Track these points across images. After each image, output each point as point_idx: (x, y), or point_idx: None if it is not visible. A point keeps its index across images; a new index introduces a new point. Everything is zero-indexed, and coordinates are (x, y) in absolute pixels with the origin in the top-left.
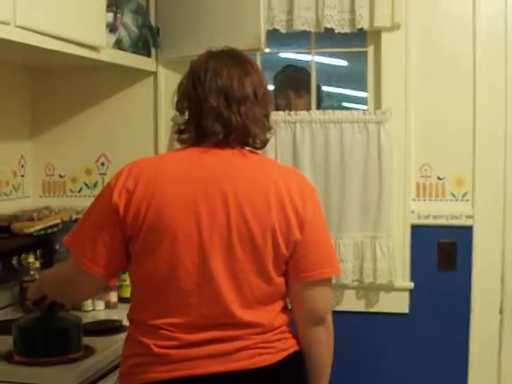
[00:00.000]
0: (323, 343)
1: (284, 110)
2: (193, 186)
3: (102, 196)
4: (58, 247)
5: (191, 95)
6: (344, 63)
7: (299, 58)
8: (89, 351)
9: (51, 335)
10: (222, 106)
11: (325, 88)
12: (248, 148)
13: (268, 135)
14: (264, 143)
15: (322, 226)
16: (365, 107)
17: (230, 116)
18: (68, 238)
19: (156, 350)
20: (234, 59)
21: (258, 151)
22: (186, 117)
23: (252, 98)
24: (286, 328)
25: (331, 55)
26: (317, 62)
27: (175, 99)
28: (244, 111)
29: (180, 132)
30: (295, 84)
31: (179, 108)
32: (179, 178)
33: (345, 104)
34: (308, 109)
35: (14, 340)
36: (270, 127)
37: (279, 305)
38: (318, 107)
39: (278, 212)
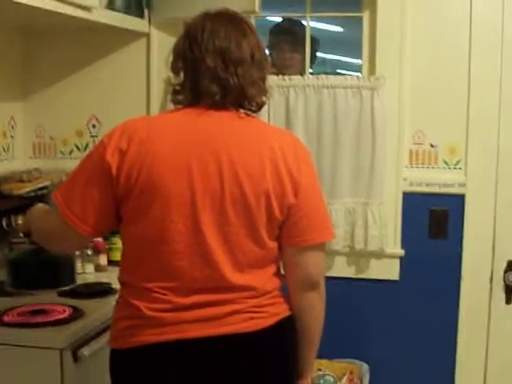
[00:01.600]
0: (315, 307)
1: (279, 66)
2: (186, 147)
3: (95, 154)
4: None
5: (187, 55)
6: (339, 29)
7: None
8: (78, 313)
9: (43, 267)
10: (219, 66)
11: (319, 54)
12: (243, 111)
13: (264, 98)
14: (260, 106)
15: (317, 190)
16: (359, 74)
17: (227, 77)
18: (57, 193)
19: (147, 312)
20: (232, 20)
21: (254, 114)
22: (181, 78)
23: (249, 60)
24: (278, 292)
25: (326, 21)
26: (312, 28)
27: (170, 59)
28: (241, 73)
29: (175, 93)
30: (290, 37)
31: (174, 68)
32: (173, 139)
33: (339, 71)
34: (302, 66)
35: (6, 274)
36: (266, 90)
37: (272, 269)
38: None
39: (272, 176)
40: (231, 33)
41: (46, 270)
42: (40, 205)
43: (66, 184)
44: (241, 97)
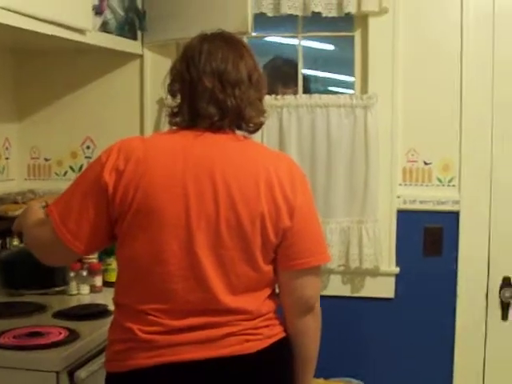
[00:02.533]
0: (311, 331)
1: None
2: (183, 170)
3: (92, 171)
4: None
5: (185, 77)
6: (331, 47)
7: (286, 42)
8: (74, 335)
9: (35, 267)
10: (217, 88)
11: (311, 72)
12: (241, 132)
13: (262, 118)
14: (258, 127)
15: (312, 213)
16: (352, 92)
17: (225, 99)
18: (52, 208)
19: (141, 335)
20: (228, 42)
21: (251, 135)
22: (178, 100)
23: (247, 81)
24: (273, 314)
25: (318, 40)
26: (304, 47)
27: (167, 82)
28: (239, 94)
29: (172, 115)
30: (283, 76)
31: (171, 91)
32: (169, 161)
33: (331, 88)
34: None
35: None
36: (264, 110)
37: (266, 292)
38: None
39: (267, 199)
40: (228, 54)
41: (38, 270)
42: (35, 207)
43: (61, 199)
44: (239, 118)
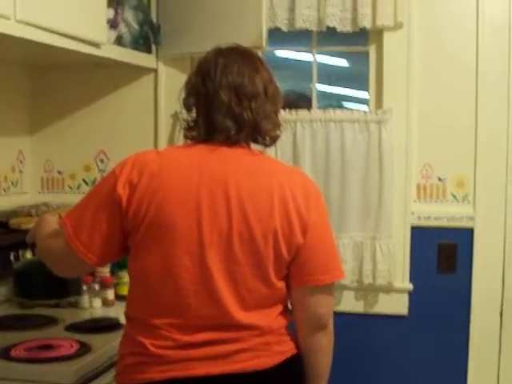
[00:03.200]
0: (324, 348)
1: None
2: (197, 184)
3: (105, 184)
4: None
5: (201, 91)
6: (345, 63)
7: (300, 58)
8: (85, 348)
9: (49, 277)
10: (233, 101)
11: (326, 88)
12: (256, 146)
13: (278, 132)
14: (274, 140)
15: (326, 229)
16: (366, 108)
17: (242, 112)
18: (66, 220)
19: (153, 349)
20: (244, 56)
21: (267, 148)
22: (193, 114)
23: (263, 95)
24: (284, 330)
25: (333, 55)
26: (318, 62)
27: (182, 96)
28: (255, 107)
29: (188, 128)
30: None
31: (186, 105)
32: (183, 175)
33: (346, 104)
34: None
35: (13, 283)
36: (279, 123)
37: (279, 308)
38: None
39: (280, 214)
40: (244, 68)
41: (51, 280)
42: (48, 218)
43: (74, 211)
44: (255, 131)
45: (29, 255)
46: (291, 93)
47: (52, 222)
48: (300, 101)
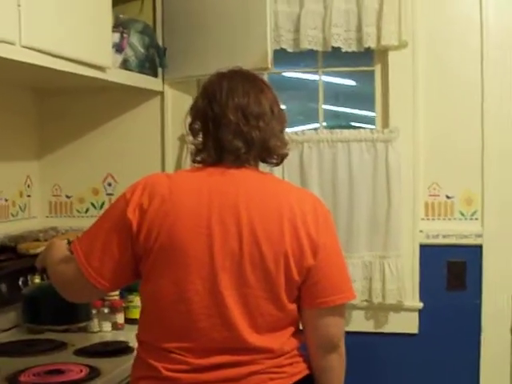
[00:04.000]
0: (335, 369)
1: None
2: (208, 209)
3: (116, 208)
4: None
5: (208, 113)
6: (352, 83)
7: (306, 77)
8: (95, 373)
9: (59, 303)
10: (241, 121)
11: (332, 108)
12: (264, 165)
13: (286, 150)
14: (282, 158)
15: (336, 251)
16: (373, 127)
17: (250, 131)
18: (77, 246)
19: (165, 373)
20: (247, 78)
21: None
22: (200, 138)
23: (269, 113)
24: (297, 352)
25: (338, 75)
26: (324, 82)
27: (188, 121)
28: (263, 126)
29: (197, 152)
30: None
31: (193, 129)
32: (194, 199)
33: (353, 124)
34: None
35: (22, 309)
36: (287, 142)
37: (290, 330)
38: None
39: (291, 237)
40: (249, 89)
41: (62, 305)
42: (58, 243)
43: (85, 236)
44: (264, 150)
45: (37, 280)
46: None
47: (62, 247)
48: None
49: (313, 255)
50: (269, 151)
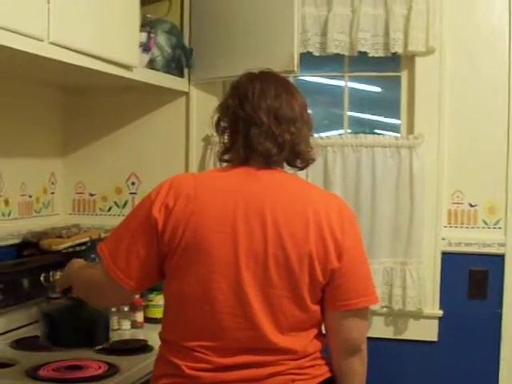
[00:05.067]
0: (357, 372)
1: None
2: (233, 210)
3: (142, 208)
4: None
5: (239, 114)
6: (377, 89)
7: (332, 83)
8: (113, 370)
9: (78, 325)
10: (273, 123)
11: (357, 114)
12: (290, 168)
13: (313, 155)
14: (308, 163)
15: (361, 254)
16: (397, 135)
17: (282, 133)
18: (103, 247)
19: (188, 371)
20: (279, 80)
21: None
22: (225, 137)
23: (300, 119)
24: (319, 354)
25: (364, 81)
26: (350, 88)
27: (215, 119)
28: (294, 130)
29: (225, 151)
30: None
31: (220, 128)
32: (220, 199)
33: (377, 131)
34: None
35: (42, 328)
36: (313, 147)
37: (313, 332)
38: None
39: (316, 239)
40: (281, 92)
41: (81, 327)
42: (77, 260)
43: (111, 238)
44: (292, 153)
45: (59, 276)
46: None
47: (82, 261)
48: None
49: (337, 258)
50: (297, 155)
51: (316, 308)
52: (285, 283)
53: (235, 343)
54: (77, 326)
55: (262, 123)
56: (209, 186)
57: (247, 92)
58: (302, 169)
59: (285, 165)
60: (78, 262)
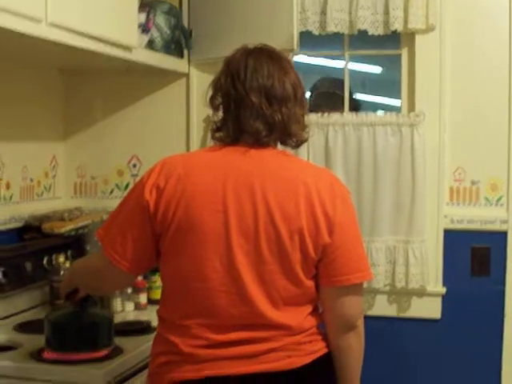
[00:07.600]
0: (353, 348)
1: None
2: (223, 186)
3: (134, 191)
4: (88, 248)
5: (230, 92)
6: (378, 70)
7: (332, 65)
8: (117, 351)
9: (82, 330)
10: (264, 104)
11: (358, 96)
12: (282, 147)
13: (306, 134)
14: (301, 142)
15: (353, 229)
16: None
17: (273, 114)
18: (100, 231)
19: (184, 348)
20: (273, 57)
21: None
22: (220, 114)
23: (292, 98)
24: (315, 330)
25: (365, 62)
26: (350, 70)
27: (209, 95)
28: (285, 111)
29: (216, 129)
30: (332, 100)
31: (214, 104)
32: (210, 178)
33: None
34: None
35: (45, 335)
36: (306, 126)
37: (309, 307)
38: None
39: (306, 214)
40: (274, 70)
41: (85, 333)
42: (76, 260)
43: (107, 222)
44: (284, 134)
45: (61, 259)
46: (325, 79)
47: (80, 260)
48: (334, 87)
49: (329, 233)
50: (289, 135)
51: (310, 284)
52: (276, 259)
53: (231, 320)
54: (81, 331)
55: (252, 104)
56: (199, 164)
57: (239, 70)
58: (294, 148)
59: (278, 144)
60: (76, 263)
